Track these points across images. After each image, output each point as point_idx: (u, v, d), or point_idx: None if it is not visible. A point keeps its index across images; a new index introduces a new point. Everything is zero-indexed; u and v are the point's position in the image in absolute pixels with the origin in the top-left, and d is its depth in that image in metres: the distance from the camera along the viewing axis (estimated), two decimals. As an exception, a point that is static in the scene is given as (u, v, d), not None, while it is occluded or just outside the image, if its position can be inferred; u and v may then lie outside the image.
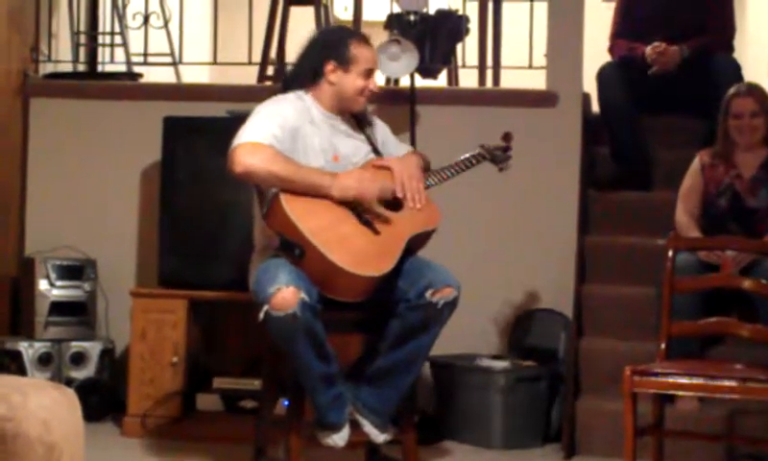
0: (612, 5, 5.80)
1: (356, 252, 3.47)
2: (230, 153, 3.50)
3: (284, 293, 3.36)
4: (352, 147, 3.76)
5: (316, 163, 3.61)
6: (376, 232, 3.56)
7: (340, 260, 3.40)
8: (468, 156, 4.06)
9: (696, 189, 4.77)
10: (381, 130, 3.94)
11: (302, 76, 3.78)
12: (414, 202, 3.69)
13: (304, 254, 3.41)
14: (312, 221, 3.45)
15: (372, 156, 3.79)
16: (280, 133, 3.56)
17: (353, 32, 3.94)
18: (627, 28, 5.62)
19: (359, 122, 3.85)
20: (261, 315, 3.39)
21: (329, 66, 3.71)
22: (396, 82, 5.62)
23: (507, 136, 4.21)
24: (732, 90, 4.75)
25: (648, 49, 5.38)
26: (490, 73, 5.85)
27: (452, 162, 3.97)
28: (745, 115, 4.67)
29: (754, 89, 4.75)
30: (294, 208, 3.45)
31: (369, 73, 3.74)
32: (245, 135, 3.52)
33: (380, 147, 3.85)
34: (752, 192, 4.68)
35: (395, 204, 3.68)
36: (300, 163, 3.55)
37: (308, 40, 3.83)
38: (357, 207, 3.58)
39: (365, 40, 3.80)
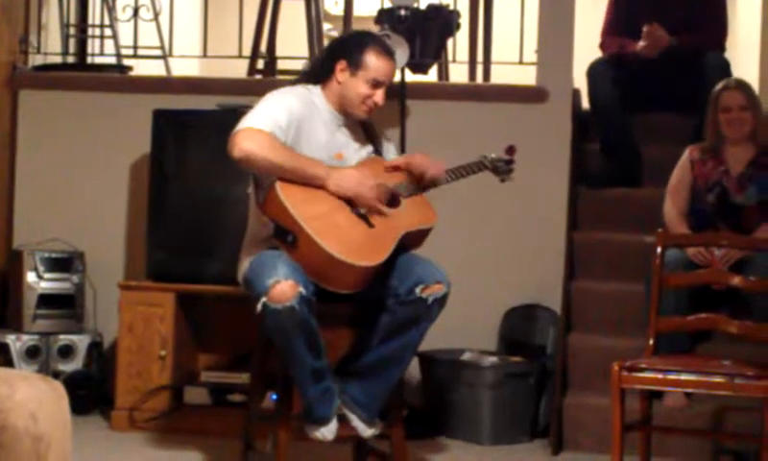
0: (604, 0, 5.81)
1: (349, 241, 3.47)
2: (231, 136, 3.49)
3: (283, 286, 3.36)
4: (356, 148, 3.75)
5: (318, 158, 3.61)
6: (371, 225, 3.57)
7: (332, 248, 3.40)
8: (469, 163, 4.03)
9: (685, 184, 4.78)
10: (386, 143, 3.93)
11: (319, 70, 3.77)
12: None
13: (297, 240, 3.42)
14: (306, 209, 3.45)
15: (373, 156, 3.79)
16: (285, 123, 3.55)
17: (377, 40, 3.83)
18: (619, 24, 5.63)
19: (366, 129, 3.84)
20: (259, 307, 3.39)
21: (340, 65, 3.70)
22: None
23: (511, 149, 4.19)
24: (720, 85, 4.76)
25: (640, 43, 5.40)
26: (480, 68, 5.85)
27: (453, 168, 3.94)
28: (734, 109, 4.69)
29: (742, 84, 4.79)
30: (289, 196, 3.45)
31: (376, 83, 3.68)
32: (248, 121, 3.52)
33: (384, 154, 3.85)
34: (739, 189, 4.69)
35: (392, 201, 3.68)
36: (298, 153, 3.54)
37: (335, 37, 3.84)
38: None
39: (384, 52, 3.72)
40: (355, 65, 3.68)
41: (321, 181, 3.53)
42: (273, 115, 3.54)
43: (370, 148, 3.80)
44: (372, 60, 3.68)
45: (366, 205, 3.56)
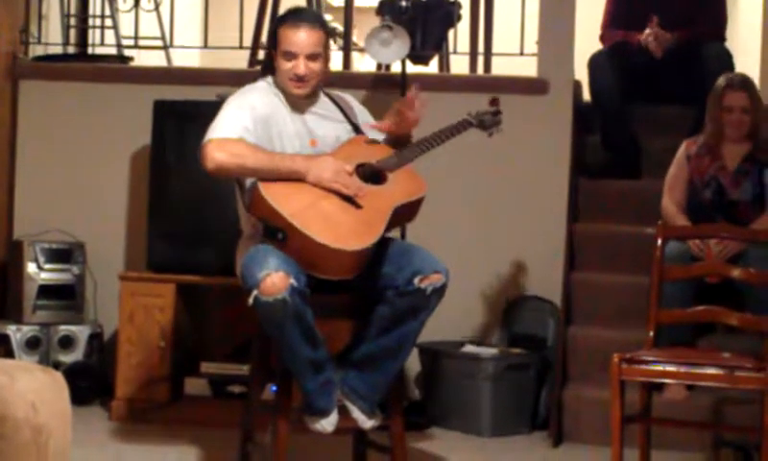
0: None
1: (339, 227, 3.47)
2: (201, 150, 3.51)
3: (274, 278, 3.36)
4: (330, 129, 3.74)
5: (291, 149, 3.61)
6: (358, 207, 3.56)
7: (322, 237, 3.40)
8: (455, 123, 3.99)
9: (682, 178, 4.78)
10: (361, 112, 3.92)
11: (268, 65, 3.80)
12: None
13: (287, 237, 3.42)
14: (292, 203, 3.45)
15: (353, 134, 3.78)
16: (251, 123, 3.56)
17: (289, 14, 3.82)
18: (619, 17, 5.62)
19: (337, 104, 3.83)
20: (250, 300, 3.39)
21: (273, 53, 3.73)
22: (388, 67, 5.61)
23: (494, 101, 4.14)
24: (724, 81, 4.72)
25: (644, 36, 5.39)
26: (481, 60, 5.84)
27: (438, 131, 3.92)
28: (736, 110, 4.66)
29: (746, 83, 4.73)
30: (273, 194, 3.45)
31: (288, 55, 3.65)
32: (215, 131, 3.53)
33: (362, 126, 3.84)
34: (735, 184, 4.69)
35: (378, 178, 3.67)
36: (272, 152, 3.55)
37: None
38: None
39: (291, 23, 3.69)
40: (275, 47, 3.71)
41: (299, 175, 3.52)
42: (238, 119, 3.55)
43: (347, 124, 3.79)
44: (282, 34, 3.69)
45: (348, 191, 3.55)
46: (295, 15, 3.78)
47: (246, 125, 3.54)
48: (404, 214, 3.69)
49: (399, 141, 3.80)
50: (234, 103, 3.64)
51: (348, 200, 3.55)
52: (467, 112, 4.08)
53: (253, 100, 3.64)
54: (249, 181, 3.55)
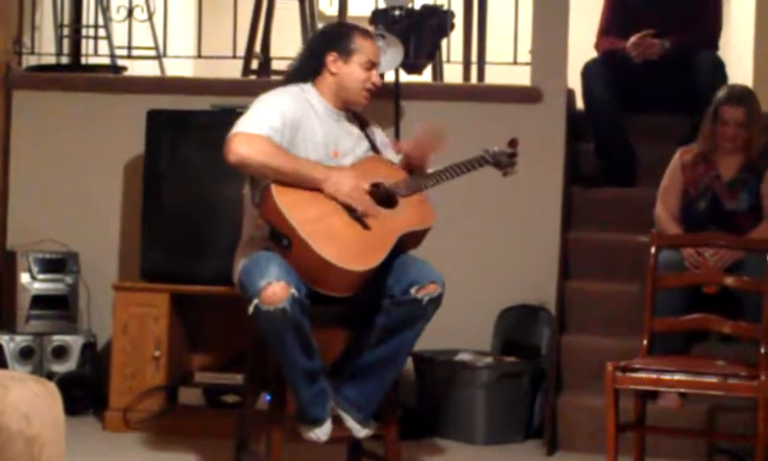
0: (599, 0, 5.81)
1: (344, 245, 3.47)
2: (227, 141, 3.51)
3: (275, 287, 3.37)
4: (352, 144, 3.75)
5: (315, 157, 3.61)
6: (367, 227, 3.56)
7: (326, 253, 3.40)
8: (470, 159, 4.02)
9: (675, 187, 4.77)
10: (380, 135, 3.94)
11: (306, 68, 3.78)
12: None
13: (292, 244, 3.42)
14: (302, 212, 3.45)
15: (370, 152, 3.79)
16: (279, 124, 3.55)
17: (357, 25, 3.91)
18: (615, 25, 5.63)
19: (360, 122, 3.84)
20: (251, 309, 3.39)
21: (331, 57, 3.72)
22: (381, 76, 5.61)
23: (513, 142, 4.16)
24: (724, 94, 4.70)
25: (628, 44, 5.40)
26: (474, 69, 5.85)
27: (453, 164, 3.94)
28: (731, 124, 4.65)
29: (745, 98, 4.69)
30: (284, 199, 3.45)
31: (370, 65, 3.73)
32: (242, 125, 3.53)
33: (380, 148, 3.85)
34: (731, 195, 4.68)
35: (389, 201, 3.67)
36: (294, 156, 3.55)
37: (313, 34, 3.87)
38: None
39: (368, 34, 3.82)
40: (346, 53, 3.71)
41: (317, 184, 3.53)
42: (266, 118, 3.54)
43: (365, 141, 3.80)
44: (362, 43, 3.73)
45: (361, 209, 3.56)
46: (366, 29, 3.91)
47: (274, 124, 3.54)
48: (409, 241, 3.69)
49: (414, 168, 3.82)
50: (265, 101, 3.64)
51: (357, 219, 3.56)
52: (483, 150, 4.08)
53: (284, 103, 3.64)
54: (263, 182, 3.54)
